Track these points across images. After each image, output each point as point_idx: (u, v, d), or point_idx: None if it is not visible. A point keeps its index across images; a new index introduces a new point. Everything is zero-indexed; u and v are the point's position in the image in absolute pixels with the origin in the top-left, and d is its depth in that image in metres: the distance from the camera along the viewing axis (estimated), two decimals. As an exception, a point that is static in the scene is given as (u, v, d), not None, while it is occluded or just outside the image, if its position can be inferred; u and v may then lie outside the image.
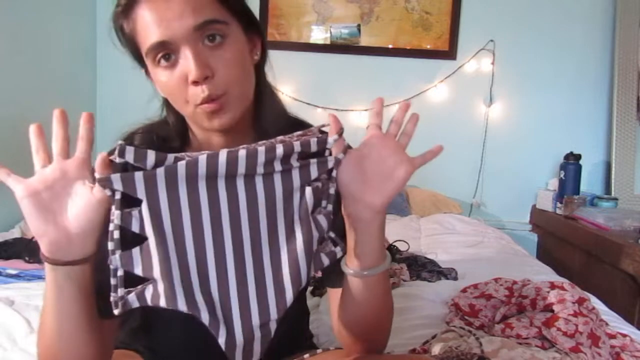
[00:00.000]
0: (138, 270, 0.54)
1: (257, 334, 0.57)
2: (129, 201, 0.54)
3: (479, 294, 1.27)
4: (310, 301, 1.27)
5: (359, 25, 2.55)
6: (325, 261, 0.60)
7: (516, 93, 2.57)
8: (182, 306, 0.54)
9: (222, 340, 0.56)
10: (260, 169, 0.55)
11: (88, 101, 2.50)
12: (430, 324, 1.16)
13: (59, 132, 0.56)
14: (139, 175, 0.52)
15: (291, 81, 2.51)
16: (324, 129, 0.63)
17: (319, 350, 0.82)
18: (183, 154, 0.55)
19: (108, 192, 0.53)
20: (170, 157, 0.54)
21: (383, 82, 2.53)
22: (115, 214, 0.54)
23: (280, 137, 0.60)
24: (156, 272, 0.54)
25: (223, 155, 0.53)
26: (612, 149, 2.44)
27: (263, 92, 0.73)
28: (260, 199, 0.56)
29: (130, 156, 0.53)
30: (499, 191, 2.59)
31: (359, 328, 0.69)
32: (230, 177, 0.54)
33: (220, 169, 0.53)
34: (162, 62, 0.63)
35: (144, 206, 0.53)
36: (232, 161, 0.53)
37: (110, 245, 0.54)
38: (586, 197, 2.28)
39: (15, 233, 1.77)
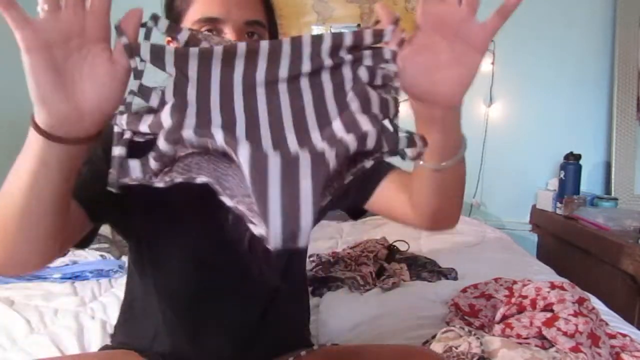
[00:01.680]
0: (144, 127, 0.45)
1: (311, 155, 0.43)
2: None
3: (479, 294, 1.27)
4: (310, 301, 1.28)
5: (359, 25, 2.54)
6: (385, 146, 0.47)
7: (516, 93, 2.56)
8: (188, 132, 0.43)
9: (244, 159, 0.42)
10: (305, 65, 0.48)
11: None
12: (430, 324, 1.16)
13: None
14: (170, 49, 0.47)
15: (291, 81, 2.51)
16: (379, 26, 0.53)
17: (315, 347, 0.83)
18: (218, 38, 0.51)
19: (132, 64, 0.47)
20: (205, 43, 0.49)
21: (383, 82, 2.52)
22: (134, 83, 0.47)
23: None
24: (169, 96, 0.46)
25: (264, 45, 0.48)
26: (612, 149, 2.44)
27: None
28: (307, 99, 0.48)
29: (163, 24, 0.48)
30: (499, 191, 2.59)
31: (433, 210, 0.68)
32: (271, 80, 0.48)
33: (260, 64, 0.47)
34: None
35: (170, 81, 0.47)
36: (274, 55, 0.47)
37: (120, 108, 0.47)
38: (586, 197, 2.28)
39: (15, 233, 1.77)
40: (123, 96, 0.48)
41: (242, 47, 0.47)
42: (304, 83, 0.49)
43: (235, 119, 0.46)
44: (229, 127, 0.46)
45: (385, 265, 1.53)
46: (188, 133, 0.43)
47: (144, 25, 0.48)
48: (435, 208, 0.67)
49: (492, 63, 2.51)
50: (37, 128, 0.46)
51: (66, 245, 0.60)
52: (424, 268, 1.54)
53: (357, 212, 0.83)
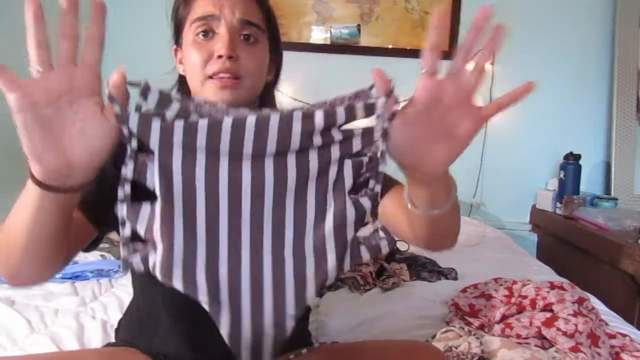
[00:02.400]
0: (141, 229, 0.48)
1: (269, 331, 0.48)
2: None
3: (478, 294, 1.27)
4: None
5: (359, 26, 2.54)
6: (365, 256, 0.51)
7: (516, 93, 2.56)
8: (177, 282, 0.46)
9: (224, 332, 0.48)
10: (294, 144, 0.47)
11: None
12: (430, 324, 1.16)
13: (66, 28, 0.46)
14: (156, 124, 0.47)
15: (291, 81, 2.51)
16: (374, 90, 0.54)
17: (316, 345, 0.83)
18: (209, 106, 0.49)
19: (125, 131, 0.47)
20: (194, 115, 0.48)
21: (383, 82, 2.52)
22: (129, 165, 0.48)
23: (328, 100, 0.52)
24: (157, 236, 0.47)
25: (251, 121, 0.46)
26: (612, 149, 2.44)
27: (266, 105, 0.77)
28: (291, 178, 0.48)
29: (153, 98, 0.47)
30: (499, 191, 2.59)
31: (428, 239, 0.68)
32: (259, 152, 0.47)
33: (247, 141, 0.46)
34: (200, 35, 0.71)
35: (155, 160, 0.47)
36: (261, 134, 0.46)
37: (120, 194, 0.48)
38: (586, 197, 2.28)
39: (15, 233, 1.77)
40: (114, 148, 0.49)
41: (227, 130, 0.46)
42: (291, 160, 0.48)
43: (218, 225, 0.48)
44: (211, 233, 0.48)
45: (385, 265, 1.53)
46: (177, 279, 0.46)
47: (133, 84, 0.47)
48: (431, 238, 0.68)
49: (492, 63, 2.51)
50: (34, 179, 0.48)
51: (72, 255, 0.63)
52: (423, 268, 1.55)
53: None
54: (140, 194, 0.49)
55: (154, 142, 0.47)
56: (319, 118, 0.47)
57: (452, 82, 0.50)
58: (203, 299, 0.47)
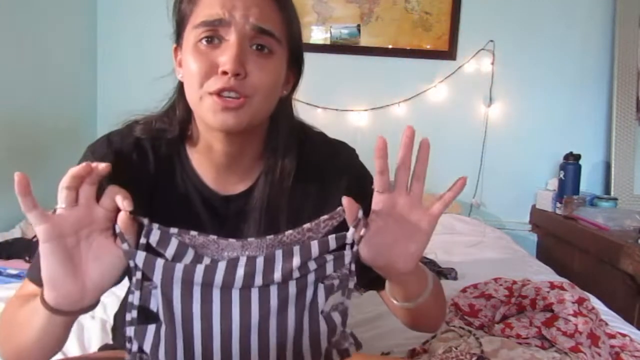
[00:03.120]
0: (147, 347, 0.56)
1: None
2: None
3: (478, 294, 1.27)
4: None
5: (358, 26, 2.54)
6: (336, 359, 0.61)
7: (516, 93, 2.56)
8: None
9: None
10: (277, 278, 0.56)
11: (88, 101, 2.49)
12: (430, 324, 1.16)
13: (90, 178, 0.53)
14: (159, 263, 0.55)
15: (291, 81, 2.51)
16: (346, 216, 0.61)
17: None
18: (202, 237, 0.57)
19: (131, 264, 0.55)
20: (191, 251, 0.56)
21: (383, 82, 2.53)
22: (135, 293, 0.56)
23: (306, 226, 0.59)
24: (161, 354, 0.56)
25: (241, 268, 0.56)
26: (612, 149, 2.44)
27: (280, 123, 0.72)
28: (273, 306, 0.57)
29: (154, 239, 0.55)
30: (499, 191, 2.59)
31: (415, 327, 0.77)
32: (246, 284, 0.56)
33: (237, 282, 0.56)
34: (203, 42, 0.60)
35: (158, 291, 0.56)
36: (249, 274, 0.56)
37: (128, 317, 0.56)
38: (586, 197, 2.28)
39: (15, 233, 1.77)
40: (121, 274, 0.56)
41: (220, 274, 0.55)
42: (273, 290, 0.57)
43: (212, 345, 0.56)
44: (207, 352, 0.56)
45: (385, 265, 1.53)
46: None
47: (141, 227, 0.55)
48: (414, 325, 0.75)
49: (492, 63, 2.51)
50: (45, 304, 0.54)
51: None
52: (423, 268, 1.54)
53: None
54: (145, 312, 0.57)
55: (157, 277, 0.55)
56: (296, 258, 0.56)
57: (400, 194, 0.58)
58: None
